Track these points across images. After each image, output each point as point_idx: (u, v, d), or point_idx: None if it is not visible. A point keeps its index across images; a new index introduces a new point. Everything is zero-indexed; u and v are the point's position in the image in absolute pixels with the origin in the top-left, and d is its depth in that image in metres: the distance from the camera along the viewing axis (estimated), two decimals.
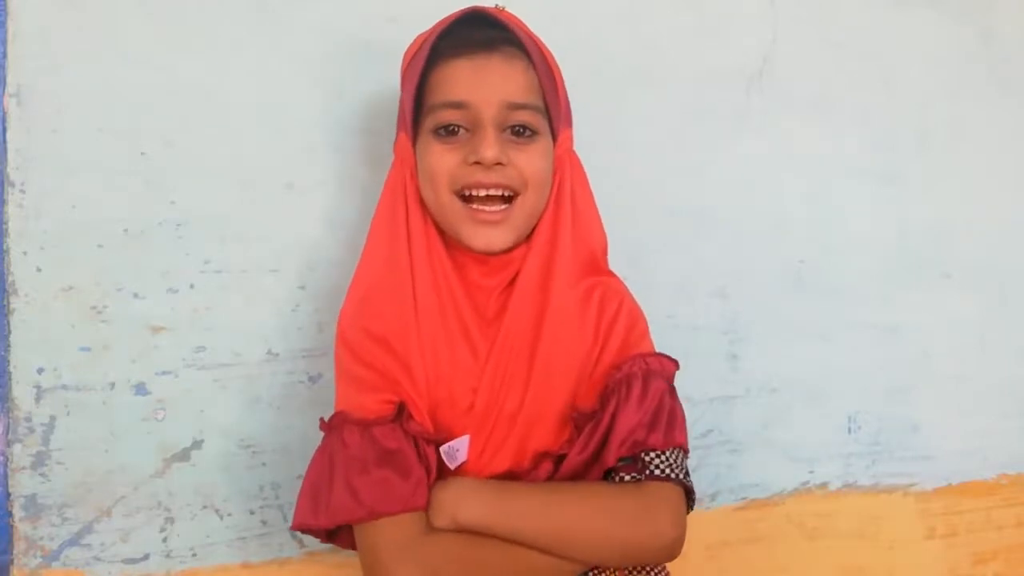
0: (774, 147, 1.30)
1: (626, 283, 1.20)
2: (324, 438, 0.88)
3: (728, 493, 1.26)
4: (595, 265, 0.95)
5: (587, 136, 1.18)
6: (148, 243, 1.00)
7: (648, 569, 0.92)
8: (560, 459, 0.87)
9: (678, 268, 1.24)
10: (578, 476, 0.87)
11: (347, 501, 0.82)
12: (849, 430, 1.33)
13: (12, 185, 0.96)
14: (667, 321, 1.22)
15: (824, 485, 1.31)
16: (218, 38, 1.03)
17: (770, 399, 1.29)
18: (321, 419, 0.89)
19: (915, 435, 1.37)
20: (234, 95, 1.04)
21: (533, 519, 0.83)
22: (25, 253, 0.96)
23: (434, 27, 0.90)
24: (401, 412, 0.86)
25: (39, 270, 0.96)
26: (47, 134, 0.97)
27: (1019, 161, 1.46)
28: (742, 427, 1.27)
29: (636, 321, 0.94)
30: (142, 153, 1.00)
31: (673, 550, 0.86)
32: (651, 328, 1.17)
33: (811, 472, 1.31)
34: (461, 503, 0.84)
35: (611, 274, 0.97)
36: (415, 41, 0.92)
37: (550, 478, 0.88)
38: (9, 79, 0.96)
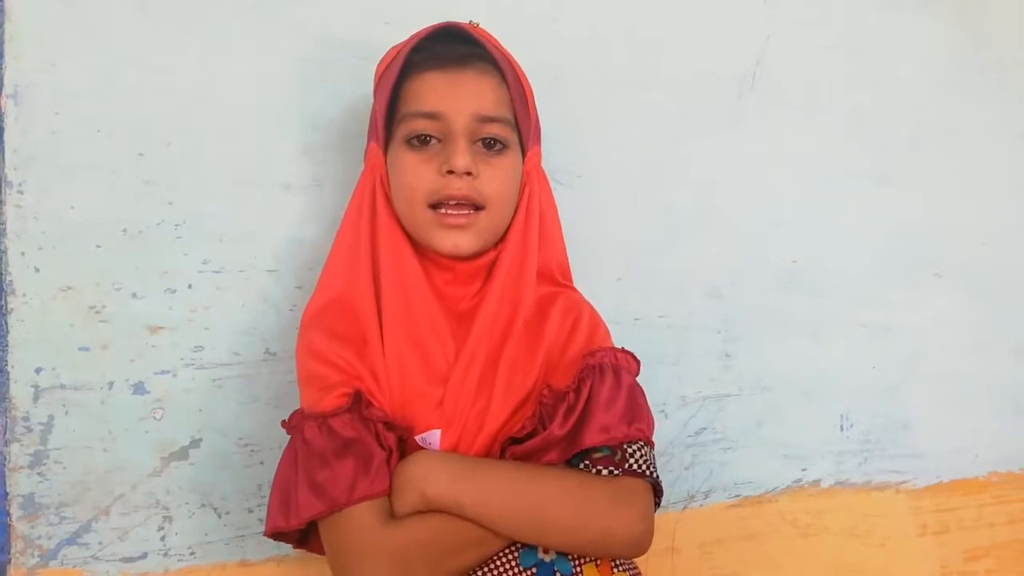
0: (767, 148, 1.31)
1: (621, 283, 1.22)
2: (289, 439, 0.88)
3: (721, 491, 1.27)
4: (553, 279, 0.98)
5: (581, 138, 1.19)
6: (146, 243, 1.00)
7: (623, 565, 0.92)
8: (527, 438, 0.88)
9: (672, 268, 1.25)
10: (545, 452, 0.87)
11: (310, 498, 0.82)
12: (841, 428, 1.34)
13: (10, 185, 0.96)
14: (661, 321, 1.23)
15: (816, 483, 1.32)
16: (216, 39, 1.04)
17: (763, 397, 1.29)
18: (283, 421, 0.89)
19: (906, 433, 1.38)
20: (232, 96, 1.04)
21: (504, 495, 0.84)
22: (23, 253, 0.96)
23: (408, 40, 0.93)
24: (358, 401, 0.86)
25: (37, 270, 0.97)
26: (45, 134, 0.97)
27: (1010, 162, 1.48)
28: (735, 425, 1.28)
29: (597, 324, 0.96)
30: (140, 154, 1.00)
31: (641, 544, 0.87)
32: (645, 328, 1.19)
33: (803, 470, 1.32)
34: (430, 476, 0.84)
35: (572, 287, 1.00)
36: (388, 53, 0.95)
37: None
38: (7, 79, 0.96)
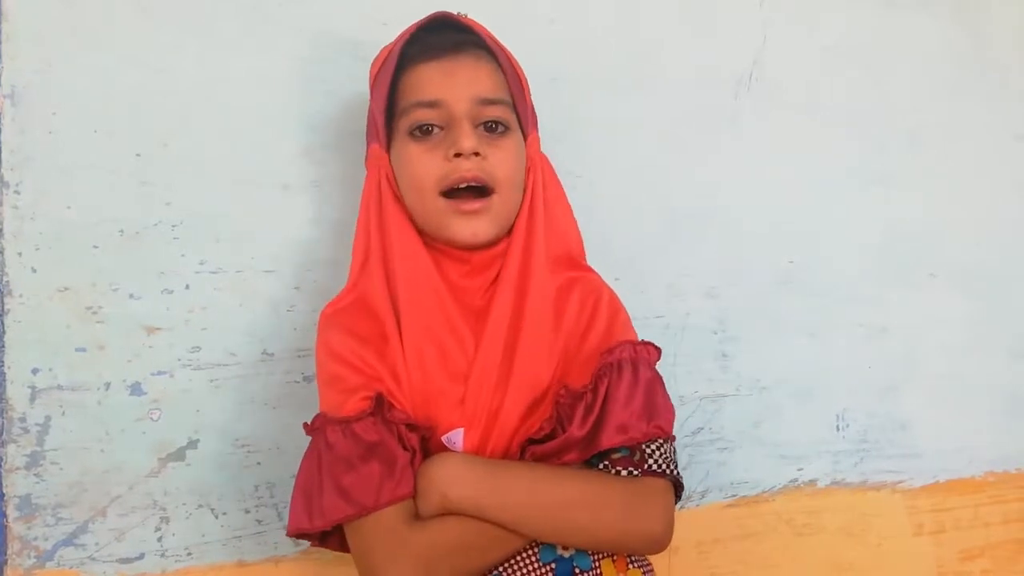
0: (764, 148, 1.32)
1: (619, 283, 1.21)
2: (311, 441, 0.89)
3: (718, 491, 1.27)
4: (573, 261, 0.97)
5: (578, 138, 1.19)
6: (144, 244, 1.00)
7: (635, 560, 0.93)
8: (546, 439, 0.88)
9: (669, 268, 1.25)
10: (565, 453, 0.87)
11: (337, 501, 0.83)
12: (837, 428, 1.35)
13: (7, 186, 0.96)
14: (658, 321, 1.24)
15: (813, 482, 1.33)
16: (214, 39, 1.04)
17: (760, 397, 1.30)
18: (304, 423, 0.90)
19: (903, 433, 1.38)
20: (229, 96, 1.04)
21: (524, 499, 0.85)
22: (20, 254, 0.96)
23: (400, 35, 0.93)
24: (380, 404, 0.86)
25: (34, 271, 0.96)
26: (42, 135, 0.97)
27: (1007, 162, 1.48)
28: (732, 425, 1.28)
29: (618, 310, 0.95)
30: (137, 154, 1.00)
31: (661, 543, 0.87)
32: (643, 328, 1.18)
33: (800, 470, 1.32)
34: (451, 481, 0.84)
35: (590, 269, 0.99)
36: (381, 52, 0.95)
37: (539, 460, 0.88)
38: (3, 79, 0.96)
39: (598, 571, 0.89)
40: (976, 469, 1.43)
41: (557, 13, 1.20)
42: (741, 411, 1.29)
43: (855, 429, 1.35)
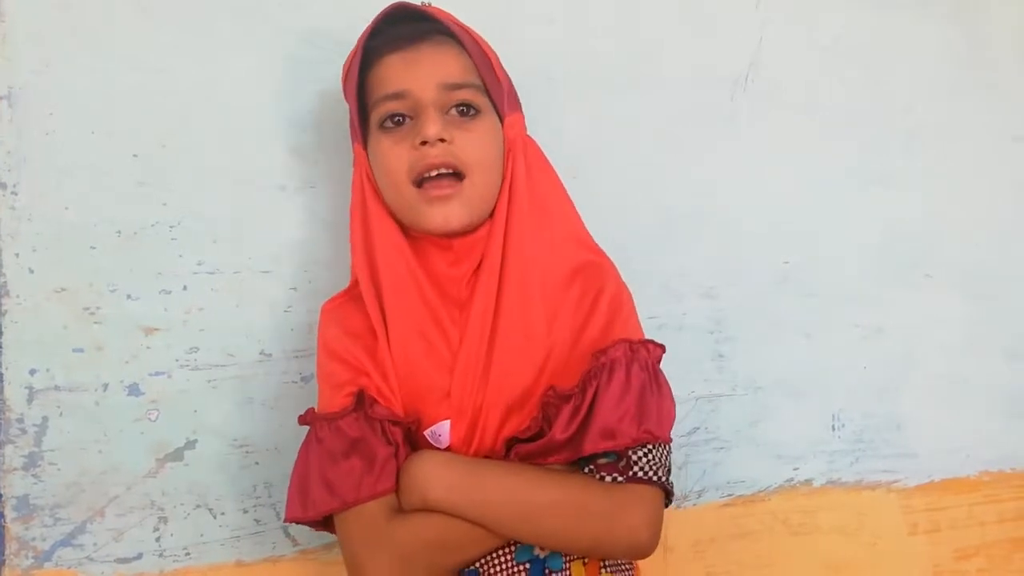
0: (760, 149, 1.31)
1: None
2: (307, 433, 0.90)
3: (714, 490, 1.27)
4: (582, 243, 0.96)
5: (574, 138, 1.19)
6: (141, 244, 1.00)
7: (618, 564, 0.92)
8: (531, 440, 0.87)
9: (665, 269, 1.25)
10: (549, 455, 0.87)
11: (324, 494, 0.85)
12: (833, 428, 1.35)
13: (4, 187, 0.96)
14: (654, 321, 1.23)
15: (808, 482, 1.33)
16: (213, 39, 1.04)
17: (755, 397, 1.30)
18: (299, 416, 0.91)
19: (898, 433, 1.38)
20: (227, 97, 1.04)
21: (503, 500, 0.85)
22: (17, 255, 0.96)
23: (363, 32, 0.92)
24: (362, 400, 0.87)
25: (32, 271, 0.97)
26: (39, 136, 0.97)
27: (1006, 163, 1.48)
28: (728, 425, 1.28)
29: (620, 304, 0.93)
30: (135, 155, 1.00)
31: (644, 550, 0.86)
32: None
33: (796, 469, 1.32)
34: (431, 481, 0.85)
35: (600, 253, 0.97)
36: (348, 55, 0.94)
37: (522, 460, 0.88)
38: (1, 80, 0.96)
39: (568, 572, 0.89)
40: (971, 469, 1.42)
41: (557, 13, 1.20)
42: (737, 411, 1.28)
43: (851, 429, 1.36)
